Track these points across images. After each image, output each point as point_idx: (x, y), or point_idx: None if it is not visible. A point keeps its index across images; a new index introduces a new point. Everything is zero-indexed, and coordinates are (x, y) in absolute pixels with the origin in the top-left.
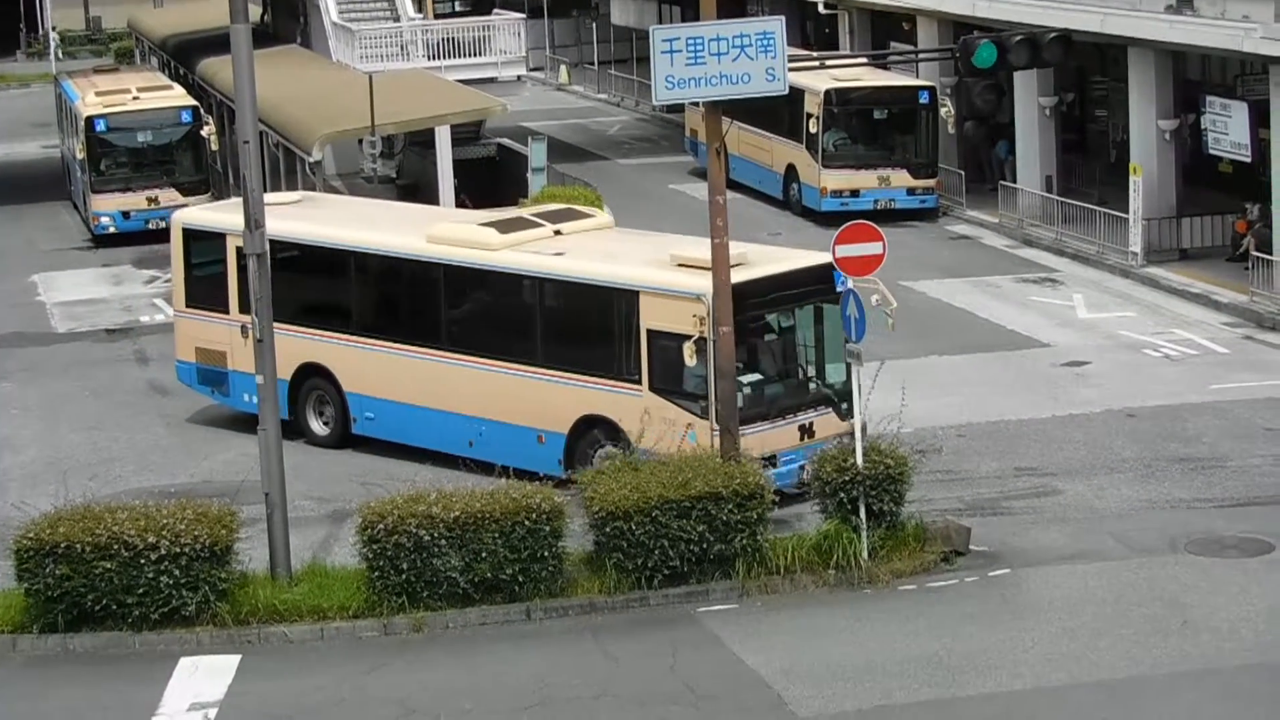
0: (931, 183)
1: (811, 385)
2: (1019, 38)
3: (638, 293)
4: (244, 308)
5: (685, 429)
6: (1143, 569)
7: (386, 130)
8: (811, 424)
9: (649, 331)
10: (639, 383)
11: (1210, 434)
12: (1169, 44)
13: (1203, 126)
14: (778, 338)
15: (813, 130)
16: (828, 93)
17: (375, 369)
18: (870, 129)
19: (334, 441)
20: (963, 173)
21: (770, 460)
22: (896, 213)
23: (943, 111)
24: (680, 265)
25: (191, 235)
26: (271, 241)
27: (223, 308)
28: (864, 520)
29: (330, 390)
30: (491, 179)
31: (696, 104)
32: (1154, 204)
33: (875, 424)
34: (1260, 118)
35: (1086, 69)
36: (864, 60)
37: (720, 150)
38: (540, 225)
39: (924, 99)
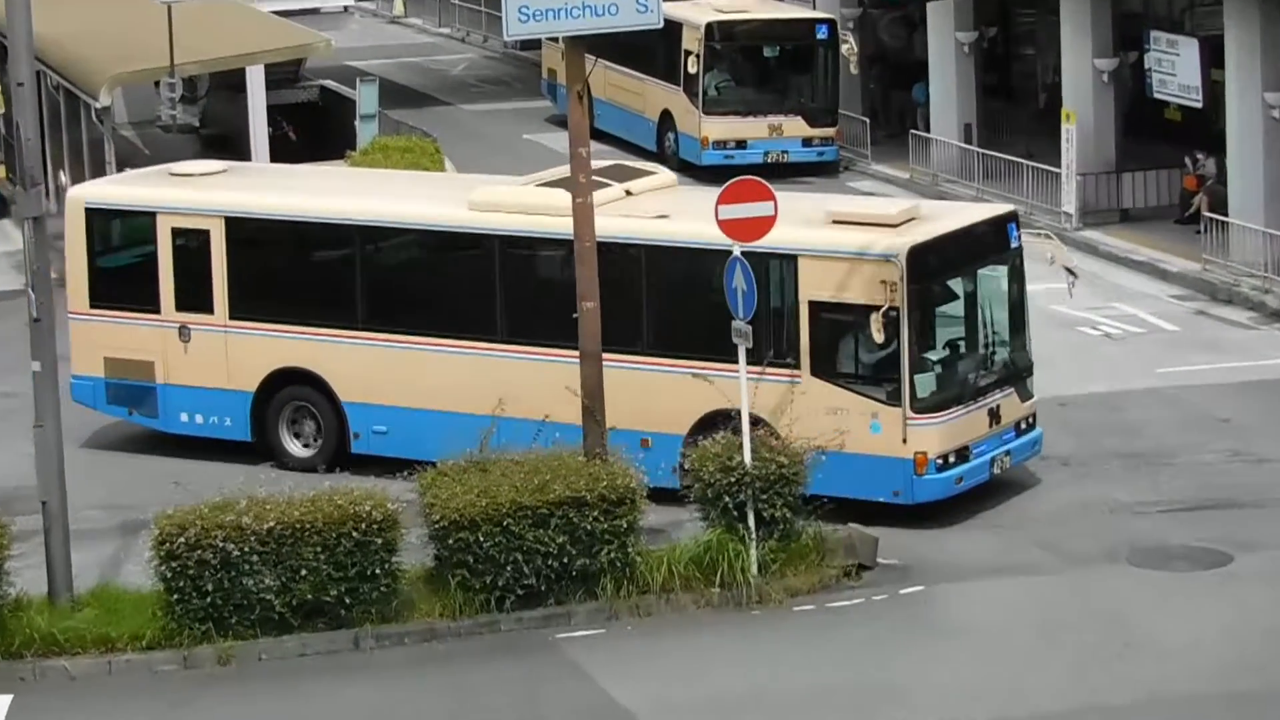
0: (831, 132)
1: (996, 360)
2: None
3: (796, 257)
4: (187, 304)
5: (869, 418)
6: (1077, 584)
7: (188, 71)
8: (999, 407)
9: (812, 304)
10: (794, 367)
11: (1156, 425)
12: None
13: (1146, 66)
14: (963, 305)
15: (692, 70)
16: (709, 26)
17: (390, 372)
18: (759, 69)
19: (319, 463)
20: (867, 120)
21: (961, 453)
22: (790, 167)
23: (844, 49)
24: (837, 222)
25: (100, 216)
26: (233, 219)
27: (150, 306)
28: (753, 529)
29: (318, 400)
30: (313, 127)
31: (555, 39)
32: (1090, 157)
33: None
34: (1213, 56)
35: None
36: None
37: (583, 94)
38: (607, 184)
39: (822, 34)
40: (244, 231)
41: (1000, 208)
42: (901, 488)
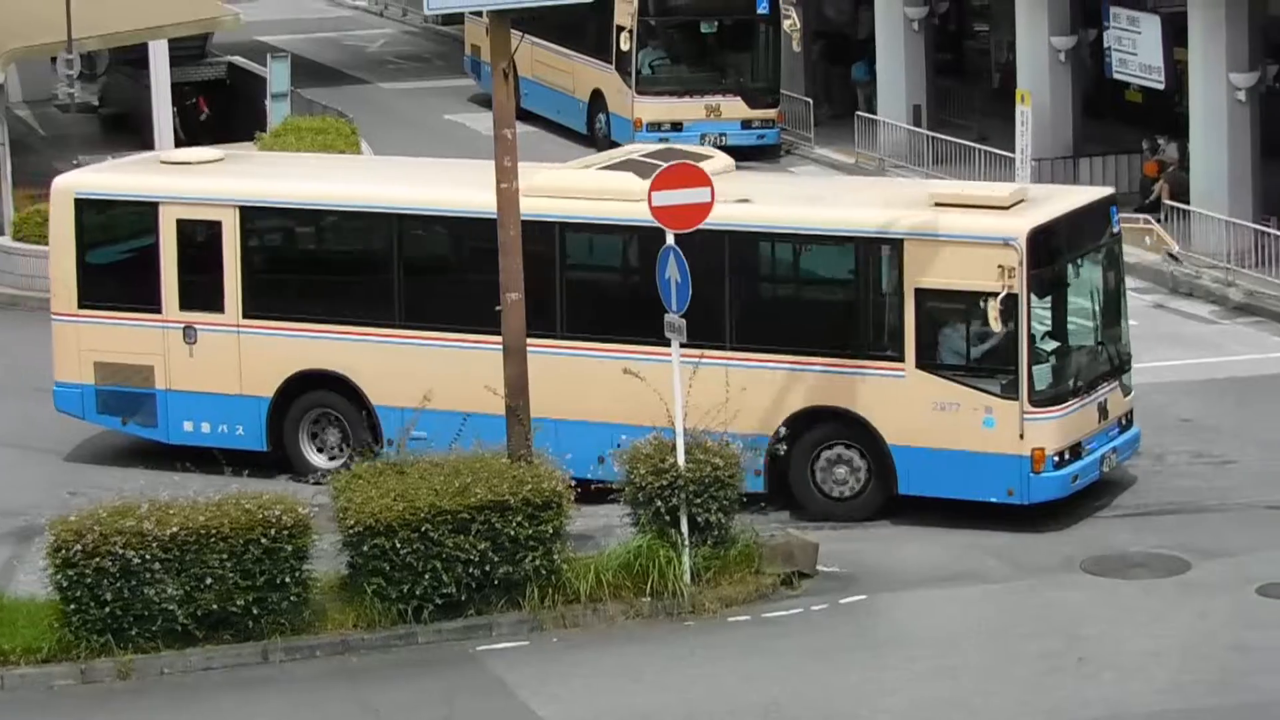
0: (772, 113)
1: (1104, 351)
2: None
3: (902, 242)
4: (193, 302)
5: (981, 413)
6: (1031, 593)
7: (87, 46)
8: (1106, 401)
9: (918, 291)
10: (898, 359)
11: None
12: None
13: (1106, 45)
14: (1074, 292)
15: (624, 47)
16: (643, 0)
17: (434, 373)
18: (697, 46)
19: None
20: (811, 101)
21: (1074, 450)
22: (729, 150)
23: (786, 24)
24: (940, 205)
25: (92, 207)
26: (250, 209)
27: (149, 305)
28: (686, 535)
29: (345, 406)
30: (221, 106)
31: (479, 14)
32: (1046, 140)
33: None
34: (1176, 34)
35: None
36: None
37: (509, 72)
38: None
39: (763, 8)
40: (263, 222)
41: (1101, 190)
42: (1016, 486)
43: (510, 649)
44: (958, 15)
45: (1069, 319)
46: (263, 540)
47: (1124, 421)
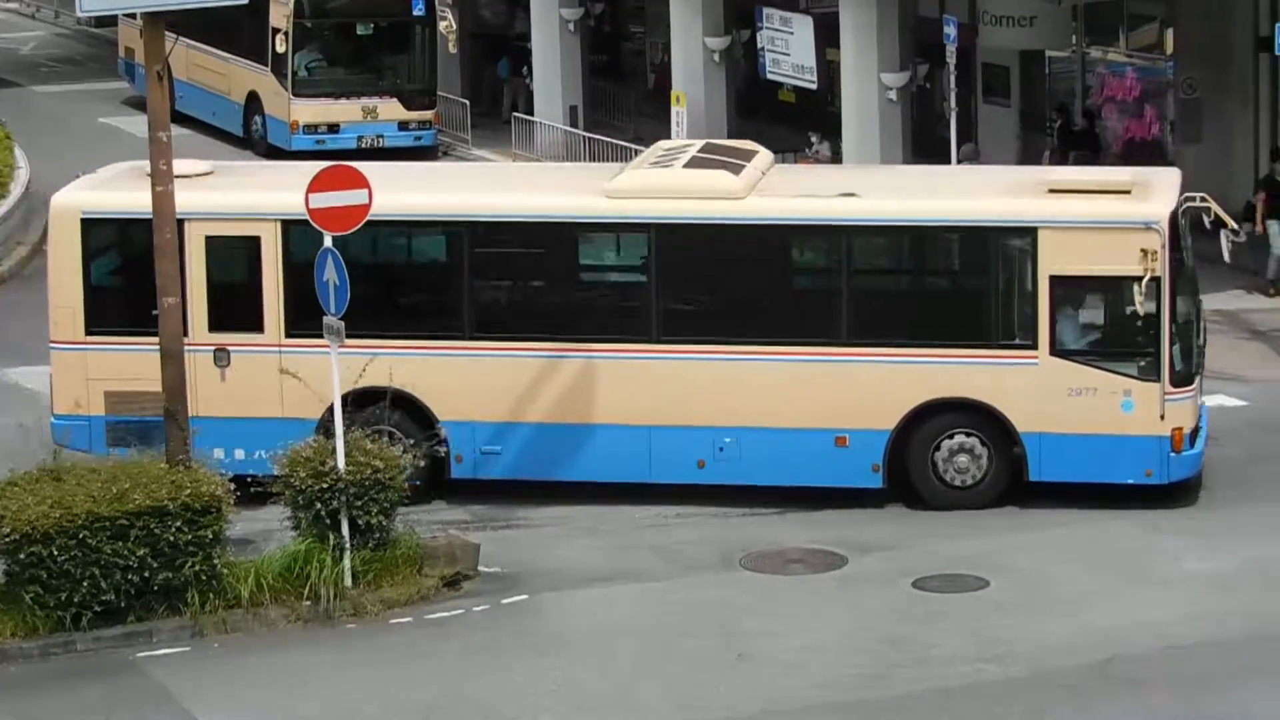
0: (429, 114)
1: (1202, 331)
2: None
3: (1035, 230)
4: (225, 323)
5: (1120, 396)
6: (691, 590)
7: None
8: (1201, 385)
9: (1053, 278)
10: (1031, 347)
11: None
12: None
13: (759, 46)
14: (1186, 275)
15: (280, 49)
16: (299, 2)
17: (509, 385)
18: (353, 48)
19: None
20: (467, 102)
21: (1195, 431)
22: (386, 152)
23: (443, 26)
24: (1056, 192)
25: (101, 227)
26: (295, 223)
27: None
28: (347, 538)
29: (403, 423)
30: None
31: (133, 16)
32: (700, 139)
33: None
34: (828, 35)
35: None
36: None
37: (163, 75)
38: (738, 163)
39: (419, 10)
40: (312, 236)
41: (1175, 170)
42: (1155, 467)
43: (171, 655)
44: (613, 17)
45: (1187, 301)
46: None
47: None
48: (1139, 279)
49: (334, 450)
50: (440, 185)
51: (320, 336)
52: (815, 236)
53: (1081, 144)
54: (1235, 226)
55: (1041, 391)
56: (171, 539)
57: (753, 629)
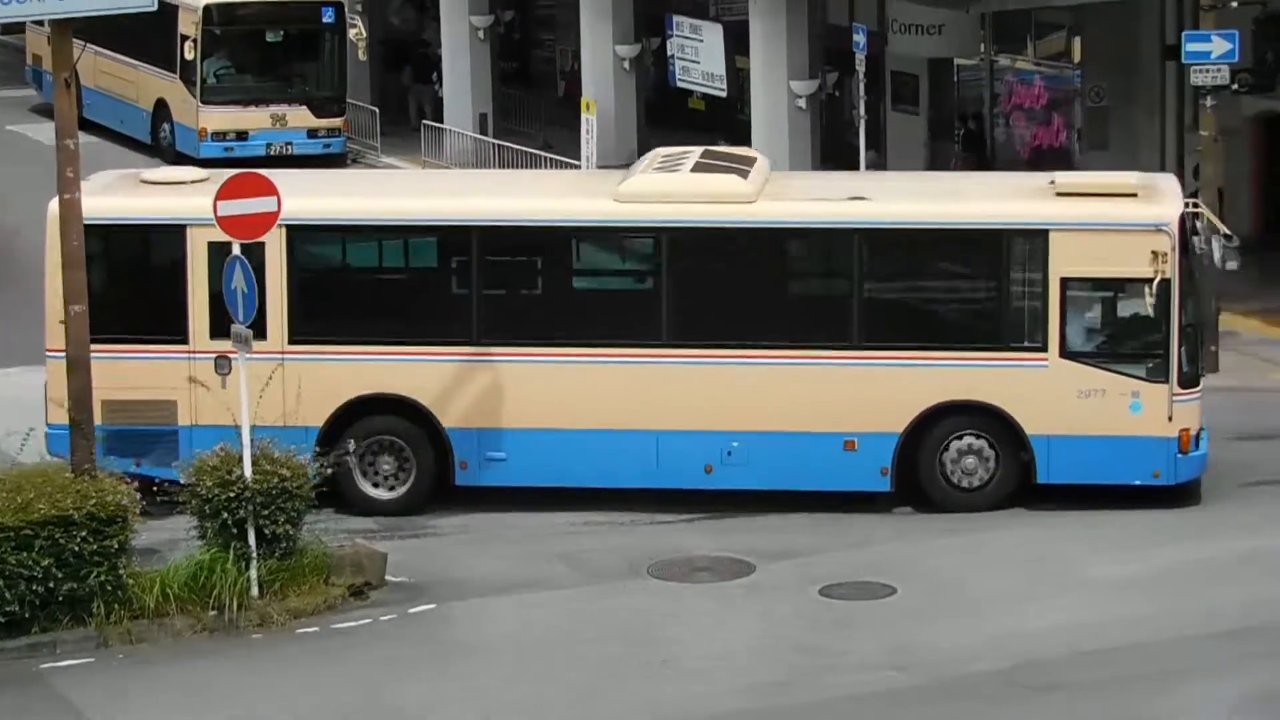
0: (338, 122)
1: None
2: None
3: (1046, 232)
4: (224, 331)
5: (1129, 398)
6: (599, 599)
7: None
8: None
9: (1064, 280)
10: (1041, 349)
11: None
12: None
13: (669, 54)
14: (1189, 276)
15: (189, 57)
16: (207, 9)
17: (517, 391)
18: (262, 56)
19: (409, 505)
20: (377, 109)
21: (1198, 436)
22: (295, 159)
23: (352, 33)
24: (1065, 195)
25: (100, 233)
26: (301, 228)
27: (172, 336)
28: (254, 547)
29: (407, 431)
30: None
31: (40, 23)
32: (611, 147)
33: None
34: (737, 43)
35: None
36: None
37: (71, 82)
38: (744, 168)
39: (328, 18)
40: (315, 242)
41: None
42: (1163, 468)
43: (76, 666)
44: (523, 24)
45: (1191, 303)
46: None
47: None
48: (1149, 281)
49: (241, 459)
50: (440, 190)
51: (326, 343)
52: (825, 240)
53: (970, 147)
54: (1228, 231)
55: (1051, 393)
56: (76, 549)
57: (661, 637)
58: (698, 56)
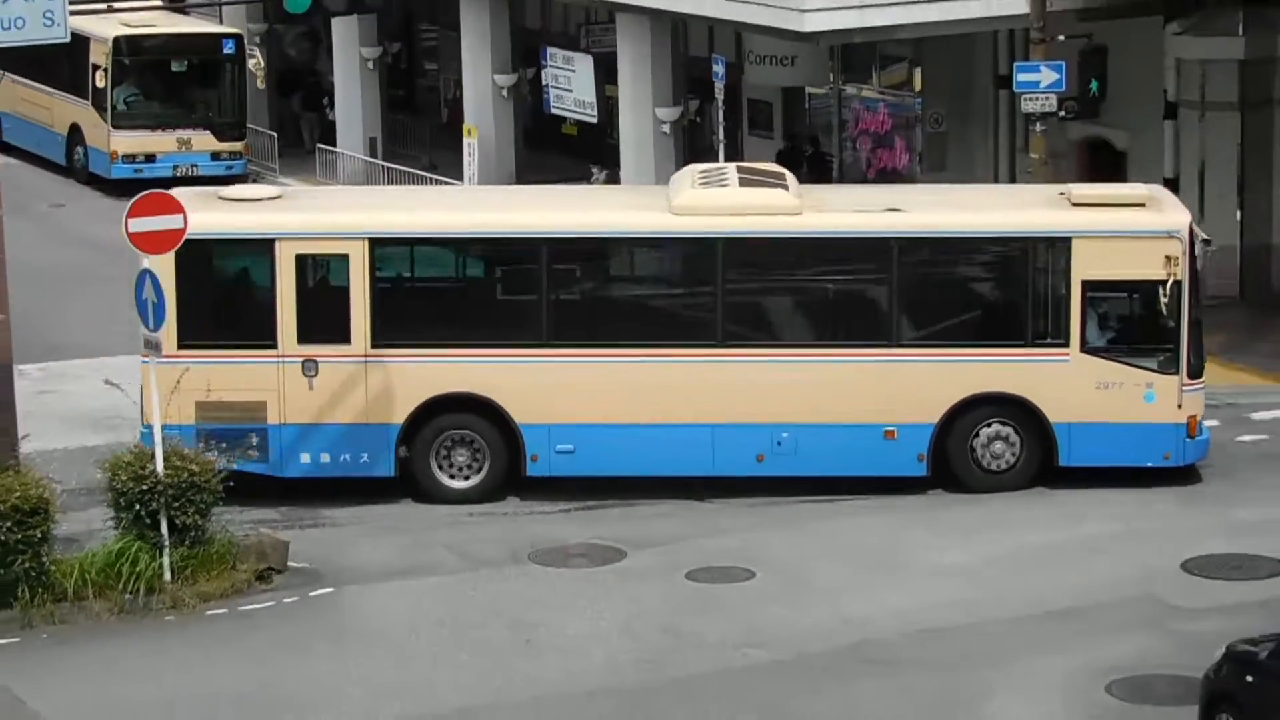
0: (239, 145)
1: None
2: None
3: (1070, 239)
4: (314, 336)
5: (1143, 389)
6: (482, 584)
7: None
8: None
9: (1085, 283)
10: (1063, 345)
11: None
12: None
13: (544, 83)
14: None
15: (100, 84)
16: (117, 41)
17: (582, 388)
18: (168, 84)
19: (484, 493)
20: (275, 134)
21: (1201, 423)
22: (200, 180)
23: (251, 64)
24: (1080, 205)
25: (194, 247)
26: (383, 240)
27: (263, 341)
28: (166, 536)
29: (480, 426)
30: None
31: None
32: (491, 169)
33: None
34: (606, 72)
35: (416, 15)
36: (161, 4)
37: None
38: (780, 183)
39: (229, 48)
40: (397, 254)
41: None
42: (1173, 451)
43: (3, 646)
44: (409, 55)
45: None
46: None
47: None
48: (1163, 282)
49: (154, 455)
50: (494, 204)
51: (406, 346)
52: (866, 248)
53: (813, 168)
54: (1207, 237)
55: (1072, 385)
56: (2, 538)
57: (540, 619)
58: (570, 85)
